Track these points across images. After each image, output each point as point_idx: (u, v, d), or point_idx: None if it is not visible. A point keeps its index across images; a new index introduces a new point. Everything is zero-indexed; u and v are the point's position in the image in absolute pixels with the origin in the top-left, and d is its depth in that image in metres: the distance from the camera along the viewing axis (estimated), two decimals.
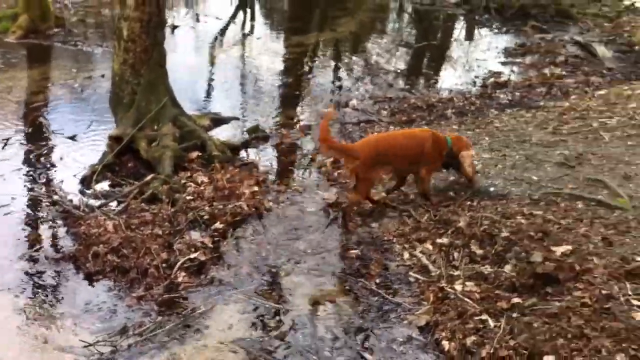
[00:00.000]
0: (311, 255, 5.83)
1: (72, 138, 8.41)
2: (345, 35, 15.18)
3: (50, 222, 6.37)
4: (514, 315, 4.51)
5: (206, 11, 17.26)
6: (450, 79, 11.91)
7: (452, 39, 15.90)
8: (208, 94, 10.91)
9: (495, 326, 4.44)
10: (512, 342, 4.21)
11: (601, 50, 12.77)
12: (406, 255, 5.72)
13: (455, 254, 5.53)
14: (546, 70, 11.67)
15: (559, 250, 5.14)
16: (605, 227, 5.52)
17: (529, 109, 9.47)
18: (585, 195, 6.18)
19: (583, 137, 7.86)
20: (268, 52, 13.47)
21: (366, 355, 4.53)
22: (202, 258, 5.71)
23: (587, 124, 8.35)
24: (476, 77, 11.81)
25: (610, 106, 9.12)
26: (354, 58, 13.46)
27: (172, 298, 5.20)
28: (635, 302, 4.39)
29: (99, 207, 6.54)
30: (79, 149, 8.15)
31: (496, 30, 15.75)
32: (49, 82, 10.77)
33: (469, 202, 6.37)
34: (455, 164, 6.60)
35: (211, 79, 11.78)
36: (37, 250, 5.86)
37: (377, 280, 5.40)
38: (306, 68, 12.52)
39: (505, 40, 14.72)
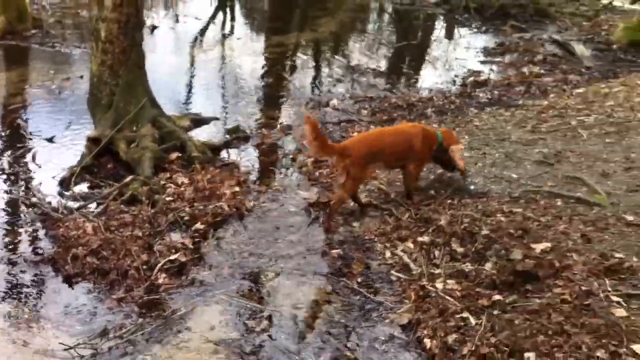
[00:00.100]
0: (293, 255, 5.82)
1: (50, 140, 8.34)
2: (325, 35, 15.19)
3: (29, 225, 6.32)
4: (495, 312, 4.53)
5: (185, 11, 17.18)
6: (430, 78, 11.95)
7: (432, 39, 15.95)
8: (188, 94, 10.86)
9: (476, 323, 4.45)
10: (493, 339, 4.22)
11: (579, 48, 12.88)
12: (388, 254, 5.73)
13: (436, 252, 5.54)
14: (525, 69, 11.75)
15: (539, 247, 5.18)
16: (584, 224, 5.57)
17: (508, 108, 9.52)
18: (564, 193, 6.23)
19: (562, 135, 7.93)
20: (248, 52, 13.44)
21: (348, 354, 4.53)
22: (183, 259, 5.68)
23: (565, 122, 8.42)
24: (456, 76, 11.86)
25: (588, 104, 9.20)
26: (334, 58, 13.46)
27: (152, 300, 5.17)
28: (614, 299, 4.44)
29: (78, 209, 6.49)
30: (57, 150, 8.09)
31: (476, 30, 15.83)
32: (26, 84, 10.66)
33: (449, 201, 6.39)
34: (445, 158, 6.63)
35: (191, 80, 11.72)
36: (15, 253, 5.80)
37: (359, 279, 5.40)
38: (287, 68, 12.49)
39: (485, 40, 14.80)
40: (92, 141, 7.78)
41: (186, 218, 6.33)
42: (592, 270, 4.79)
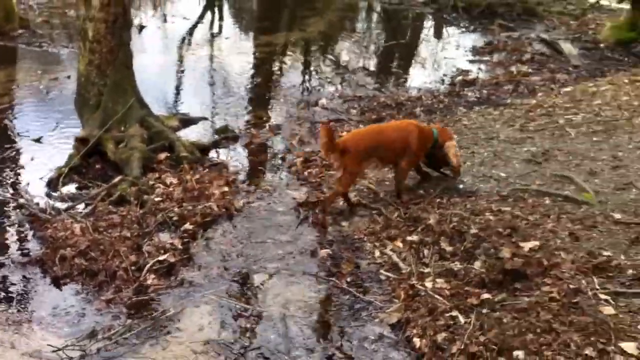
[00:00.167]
0: (282, 255, 5.82)
1: (38, 140, 8.28)
2: (314, 34, 15.16)
3: (17, 226, 6.28)
4: (484, 311, 4.54)
5: (174, 11, 17.09)
6: (419, 77, 11.96)
7: (421, 38, 15.96)
8: (176, 94, 10.82)
9: (465, 322, 4.46)
10: (482, 338, 4.24)
11: (567, 47, 12.92)
12: (377, 253, 5.74)
13: (425, 251, 5.56)
14: (513, 68, 11.77)
15: (527, 245, 5.20)
16: (572, 223, 5.60)
17: (496, 107, 9.55)
18: (552, 191, 6.26)
19: (550, 134, 7.96)
20: (237, 52, 13.39)
21: (338, 354, 4.53)
22: (172, 260, 5.67)
23: (553, 121, 8.46)
24: (444, 75, 11.88)
25: (575, 103, 9.24)
26: (323, 57, 13.46)
27: (141, 300, 5.15)
28: (602, 297, 4.47)
29: (66, 209, 6.46)
30: (45, 151, 8.03)
31: (464, 29, 15.85)
32: (13, 84, 10.57)
33: (438, 200, 6.40)
34: (440, 155, 6.66)
35: (179, 80, 11.68)
36: (3, 255, 5.76)
37: (348, 279, 5.40)
38: (275, 68, 12.48)
39: (473, 39, 14.82)
40: (80, 141, 7.75)
41: (175, 218, 6.30)
42: (580, 269, 4.81)
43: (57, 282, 5.41)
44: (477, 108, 9.63)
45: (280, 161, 7.93)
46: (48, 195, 6.89)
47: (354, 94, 10.63)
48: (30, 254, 5.81)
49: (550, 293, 4.54)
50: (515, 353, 4.04)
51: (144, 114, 8.13)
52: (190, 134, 8.64)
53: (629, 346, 3.92)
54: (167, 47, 13.88)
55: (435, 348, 4.37)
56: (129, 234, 5.94)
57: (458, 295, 4.80)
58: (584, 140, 7.63)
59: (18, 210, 6.49)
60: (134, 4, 15.73)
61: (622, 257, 4.96)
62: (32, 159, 7.73)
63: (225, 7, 19.16)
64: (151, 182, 7.03)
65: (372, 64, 13.31)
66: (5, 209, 6.55)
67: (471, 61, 12.84)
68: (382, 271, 5.48)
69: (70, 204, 6.63)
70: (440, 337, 4.42)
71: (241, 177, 7.48)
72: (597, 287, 4.57)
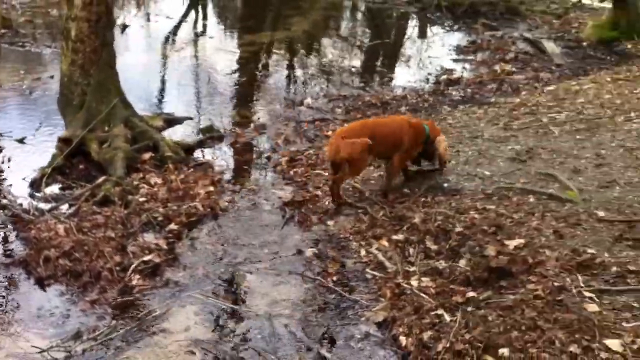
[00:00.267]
0: (268, 254, 5.81)
1: (21, 141, 8.20)
2: (298, 34, 15.15)
3: (0, 227, 6.22)
4: (469, 309, 4.56)
5: (157, 10, 17.01)
6: (403, 76, 11.99)
7: (405, 37, 16.01)
8: (161, 94, 10.78)
9: (451, 320, 4.47)
10: (467, 336, 4.25)
11: (550, 46, 13.00)
12: (363, 252, 5.74)
13: (411, 250, 5.57)
14: (497, 67, 11.82)
15: (512, 243, 5.23)
16: (556, 220, 5.63)
17: (480, 105, 9.59)
18: (536, 189, 6.29)
19: (533, 132, 8.00)
20: (221, 51, 13.36)
21: (324, 353, 4.53)
22: (157, 260, 5.64)
23: (537, 119, 8.51)
24: (429, 74, 11.92)
25: (559, 101, 9.30)
26: (308, 56, 13.45)
27: (126, 301, 5.12)
28: (586, 294, 4.49)
29: (50, 210, 6.41)
30: (28, 151, 7.97)
31: (448, 28, 15.90)
32: None
33: (423, 199, 6.42)
34: (431, 150, 6.72)
35: (164, 79, 11.64)
36: None
37: (334, 278, 5.40)
38: (260, 67, 12.46)
39: (457, 38, 14.87)
40: (64, 142, 7.69)
41: (160, 218, 6.28)
42: (564, 266, 4.84)
43: (41, 283, 5.37)
44: (461, 107, 9.67)
45: (265, 160, 7.92)
46: (31, 195, 6.83)
47: (339, 93, 10.64)
48: (14, 255, 5.75)
49: (535, 291, 4.56)
50: (501, 350, 4.05)
51: (128, 113, 8.09)
52: (175, 134, 8.60)
53: (613, 343, 3.94)
54: (150, 47, 13.82)
55: (421, 346, 4.38)
56: (113, 235, 5.90)
57: (443, 294, 4.82)
58: (567, 139, 7.68)
59: (1, 211, 6.42)
60: (117, 3, 15.65)
61: (606, 254, 5.00)
62: (14, 160, 7.65)
63: (209, 6, 19.08)
64: (135, 182, 6.99)
65: (357, 63, 13.31)
66: None
67: (455, 60, 12.88)
68: (368, 270, 5.48)
69: (53, 204, 6.57)
70: (426, 335, 4.43)
71: (226, 176, 7.46)
72: (582, 284, 4.60)
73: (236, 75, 11.74)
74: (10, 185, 6.95)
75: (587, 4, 17.08)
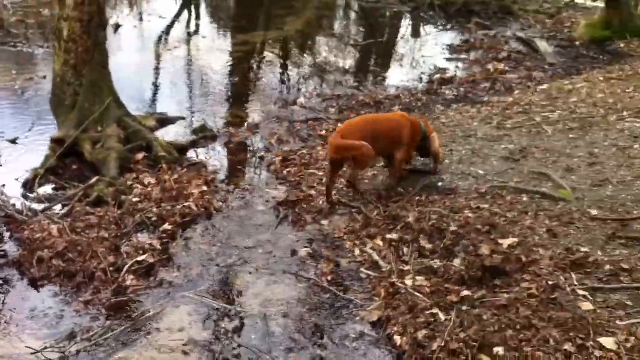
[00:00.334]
0: (262, 254, 5.80)
1: (13, 141, 8.17)
2: (292, 33, 15.15)
3: None
4: (464, 308, 4.56)
5: (150, 10, 16.99)
6: (397, 75, 12.01)
7: (399, 36, 16.02)
8: (154, 94, 10.75)
9: (445, 319, 4.48)
10: (462, 335, 4.25)
11: (543, 46, 13.05)
12: (357, 251, 5.74)
13: (405, 249, 5.57)
14: (490, 66, 11.86)
15: (506, 242, 5.24)
16: (549, 219, 5.64)
17: (474, 105, 9.62)
18: (530, 189, 6.30)
19: (527, 131, 8.02)
20: (214, 51, 13.35)
21: (319, 352, 4.52)
22: (151, 260, 5.62)
23: (530, 119, 8.53)
24: (422, 73, 11.94)
25: (552, 101, 9.34)
26: (301, 56, 13.45)
27: (120, 302, 5.10)
28: (580, 292, 4.51)
29: (43, 211, 6.39)
30: (21, 152, 7.93)
31: (441, 27, 15.94)
32: None
33: (417, 198, 6.42)
34: (427, 147, 6.77)
35: (157, 79, 11.61)
36: None
37: (329, 278, 5.39)
38: (253, 67, 12.46)
39: (450, 37, 14.91)
40: (57, 142, 7.67)
41: (154, 219, 6.26)
42: (558, 265, 4.85)
43: (35, 284, 5.34)
44: (454, 106, 9.69)
45: (259, 160, 7.91)
46: (24, 196, 6.80)
47: (332, 92, 10.65)
48: (7, 256, 5.72)
49: (529, 289, 4.58)
50: (496, 349, 4.06)
51: (121, 114, 8.06)
52: (168, 134, 8.59)
53: (607, 341, 3.96)
54: (143, 47, 13.79)
55: (416, 345, 4.38)
56: (107, 235, 5.89)
57: (438, 293, 4.82)
58: (560, 138, 7.70)
59: None
60: (109, 3, 15.63)
61: (600, 253, 5.02)
62: (6, 161, 7.62)
63: (202, 6, 19.06)
64: (129, 183, 6.97)
65: (350, 63, 13.32)
66: None
67: (449, 59, 12.92)
68: (362, 269, 5.48)
69: (47, 205, 6.55)
70: (420, 334, 4.43)
71: (220, 176, 7.45)
72: (576, 283, 4.62)
73: (229, 75, 11.73)
74: (3, 186, 6.90)
75: (579, 4, 17.17)
